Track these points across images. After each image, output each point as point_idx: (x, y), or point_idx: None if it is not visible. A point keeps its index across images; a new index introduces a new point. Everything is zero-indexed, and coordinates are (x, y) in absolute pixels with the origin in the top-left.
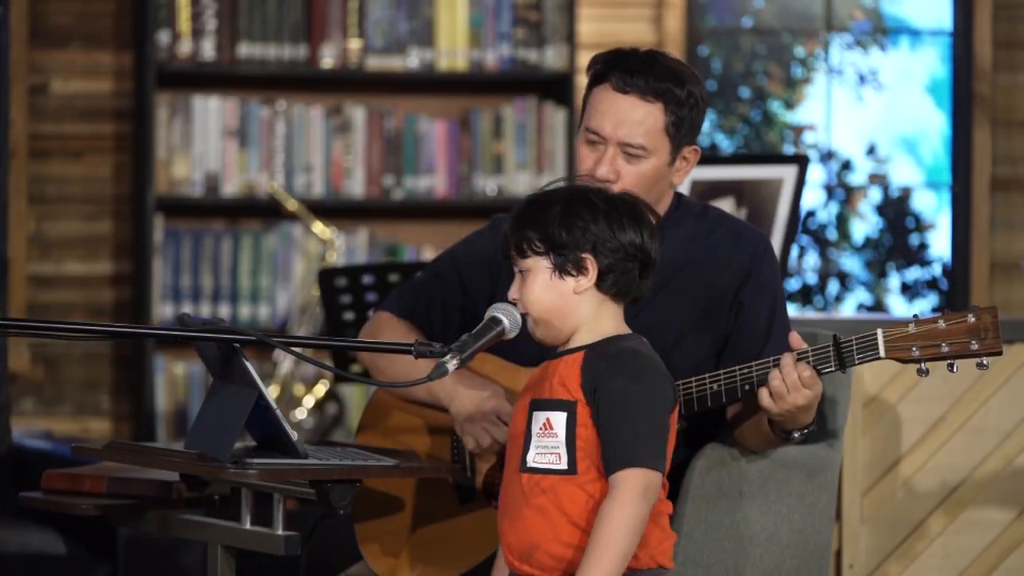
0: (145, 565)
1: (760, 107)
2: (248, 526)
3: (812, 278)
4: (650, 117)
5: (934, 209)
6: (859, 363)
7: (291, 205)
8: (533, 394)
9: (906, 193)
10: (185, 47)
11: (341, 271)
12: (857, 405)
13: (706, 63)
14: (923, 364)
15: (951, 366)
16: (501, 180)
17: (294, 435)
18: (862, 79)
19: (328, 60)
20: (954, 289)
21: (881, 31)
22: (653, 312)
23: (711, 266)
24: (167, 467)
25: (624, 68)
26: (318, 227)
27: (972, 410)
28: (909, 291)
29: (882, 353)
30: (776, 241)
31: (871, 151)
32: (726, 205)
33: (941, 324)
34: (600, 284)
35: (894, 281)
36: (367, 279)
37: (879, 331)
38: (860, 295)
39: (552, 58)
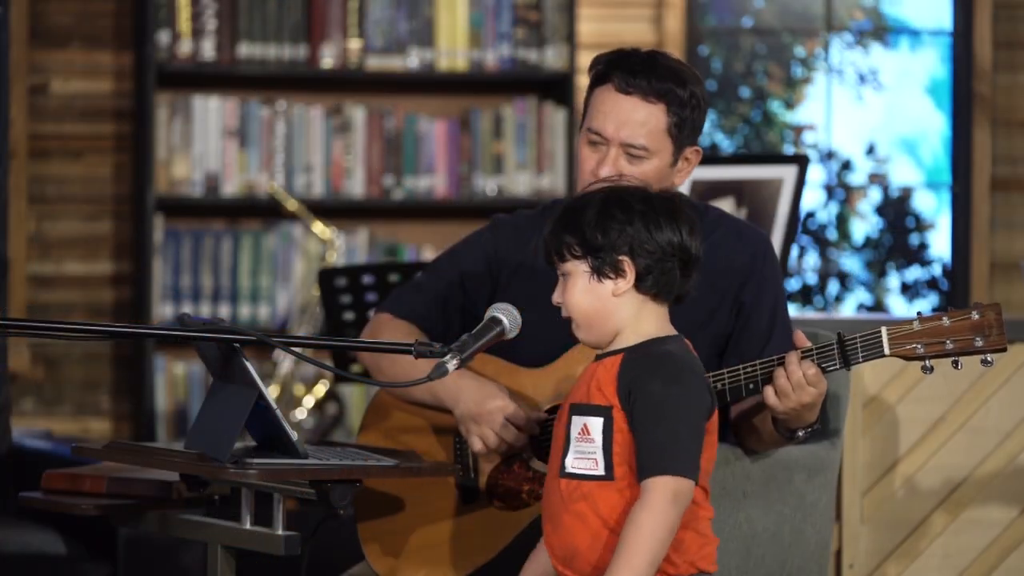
0: (145, 565)
1: (760, 107)
2: (248, 526)
3: (812, 278)
4: (652, 118)
5: (934, 209)
6: (863, 360)
7: (291, 205)
8: (573, 398)
9: (906, 193)
10: (185, 47)
11: (341, 271)
12: (857, 405)
13: (706, 63)
14: (927, 361)
15: (956, 363)
16: (501, 180)
17: (294, 435)
18: (862, 79)
19: (328, 60)
20: (954, 289)
21: (882, 29)
22: None
23: (712, 266)
24: (167, 467)
25: (626, 69)
26: (318, 227)
27: (972, 410)
28: (909, 291)
29: (887, 350)
30: (776, 241)
31: (871, 151)
32: (726, 205)
33: (945, 321)
34: (640, 286)
35: (894, 281)
36: (367, 279)
37: (883, 328)
38: (860, 295)
39: (552, 58)
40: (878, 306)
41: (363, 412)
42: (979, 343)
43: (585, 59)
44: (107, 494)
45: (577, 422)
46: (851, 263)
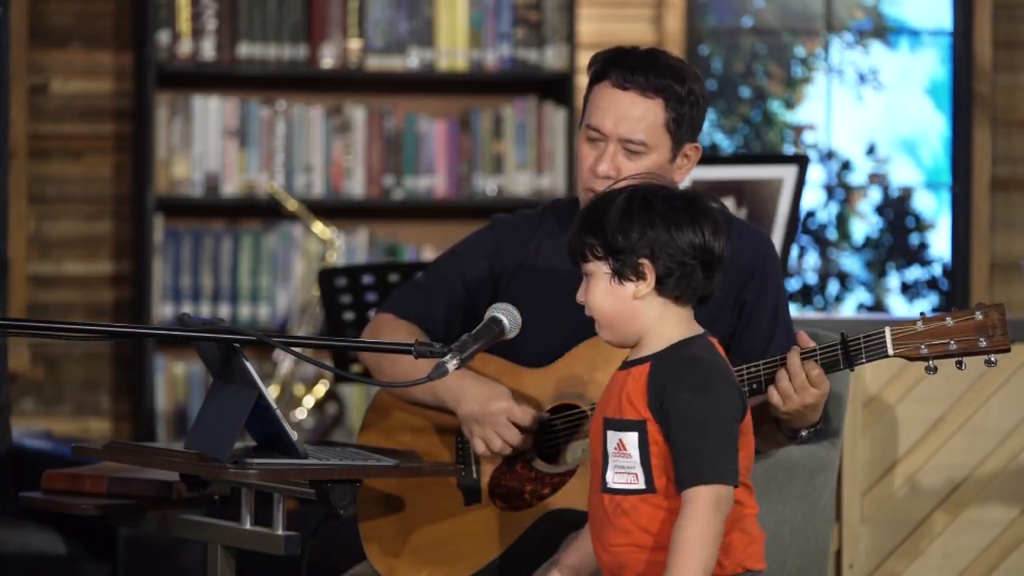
0: (145, 565)
1: (760, 107)
2: (248, 526)
3: (812, 278)
4: (650, 113)
5: (934, 209)
6: (867, 361)
7: (291, 205)
8: (604, 412)
9: (906, 193)
10: (185, 47)
11: (341, 271)
12: (857, 405)
13: (706, 63)
14: (931, 362)
15: (960, 364)
16: (501, 180)
17: (294, 435)
18: (862, 79)
19: (328, 60)
20: (954, 289)
21: (882, 29)
22: None
23: None
24: (167, 467)
25: (624, 65)
26: (318, 227)
27: (972, 410)
28: (909, 291)
29: (890, 351)
30: (776, 241)
31: (871, 151)
32: (726, 205)
33: (949, 322)
34: (661, 288)
35: (894, 281)
36: (367, 279)
37: (887, 329)
38: (860, 295)
39: (552, 58)
40: (878, 306)
41: (363, 412)
42: (983, 343)
43: (585, 59)
44: (107, 494)
45: (612, 437)
46: (851, 263)
